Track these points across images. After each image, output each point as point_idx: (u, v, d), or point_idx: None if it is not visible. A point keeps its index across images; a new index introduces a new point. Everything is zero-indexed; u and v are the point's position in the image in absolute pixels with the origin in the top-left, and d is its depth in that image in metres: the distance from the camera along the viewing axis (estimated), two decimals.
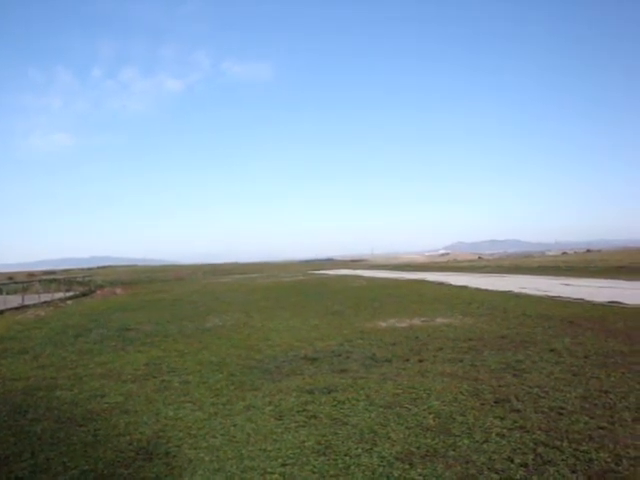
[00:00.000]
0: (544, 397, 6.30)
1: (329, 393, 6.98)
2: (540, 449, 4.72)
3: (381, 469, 4.50)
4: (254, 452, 5.09)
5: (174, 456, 5.11)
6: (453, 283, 30.36)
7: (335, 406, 6.39)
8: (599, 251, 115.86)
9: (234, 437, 5.54)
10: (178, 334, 13.73)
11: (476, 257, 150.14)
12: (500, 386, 6.90)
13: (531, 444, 4.86)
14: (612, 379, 6.95)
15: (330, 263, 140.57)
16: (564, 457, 4.52)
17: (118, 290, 43.03)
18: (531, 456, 4.58)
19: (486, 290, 23.79)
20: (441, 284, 30.33)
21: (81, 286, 46.12)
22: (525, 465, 4.41)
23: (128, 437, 5.72)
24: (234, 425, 5.93)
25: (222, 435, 5.62)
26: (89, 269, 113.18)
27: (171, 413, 6.53)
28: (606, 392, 6.35)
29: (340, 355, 9.52)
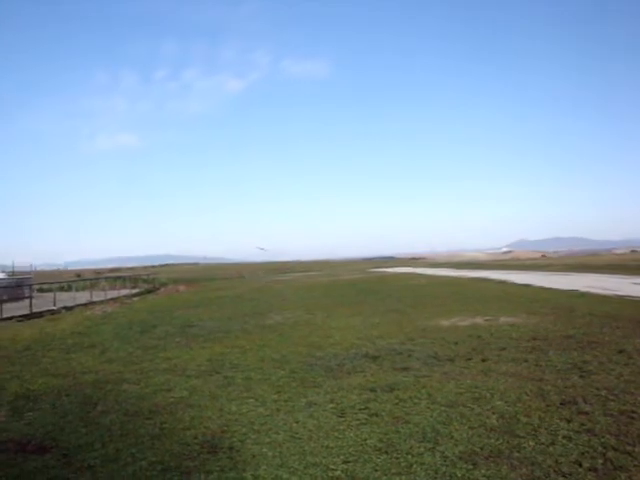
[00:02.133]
0: (613, 400, 6.10)
1: (391, 391, 6.96)
2: (610, 453, 4.58)
3: (444, 469, 4.46)
4: (316, 448, 5.13)
5: (238, 450, 5.20)
6: (516, 281, 29.72)
7: (397, 404, 6.38)
8: None
9: (296, 433, 5.60)
10: (240, 331, 13.95)
11: (539, 255, 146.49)
12: (566, 387, 6.72)
13: (600, 448, 4.72)
14: None
15: (391, 261, 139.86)
16: (636, 463, 4.36)
17: (181, 287, 43.94)
18: (600, 460, 4.45)
19: (550, 289, 23.19)
20: (504, 282, 29.74)
21: (146, 283, 47.34)
22: (594, 469, 4.29)
23: (193, 431, 5.86)
24: (296, 421, 5.99)
25: (284, 431, 5.69)
26: (152, 267, 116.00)
27: (234, 408, 6.65)
28: None
29: (402, 353, 9.47)
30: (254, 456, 5.03)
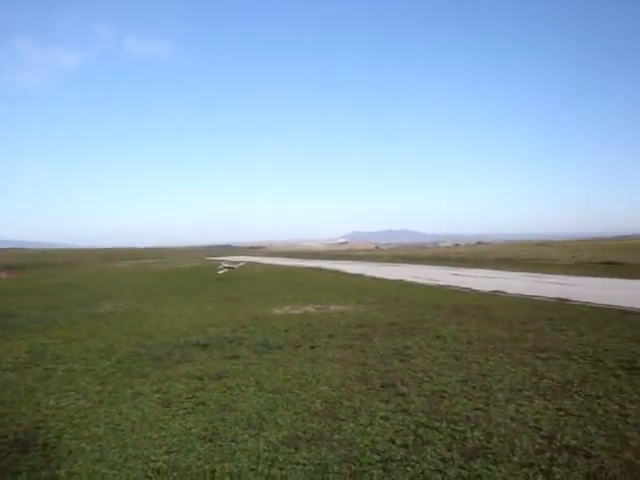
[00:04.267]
0: (428, 381, 6.55)
1: (219, 379, 6.94)
2: (420, 430, 4.92)
3: (266, 454, 4.52)
4: (139, 440, 4.98)
5: (53, 447, 4.90)
6: (349, 271, 30.94)
7: (224, 392, 6.37)
8: (489, 244, 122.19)
9: (118, 425, 5.40)
10: (65, 320, 13.21)
11: (373, 247, 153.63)
12: (387, 371, 7.11)
13: (412, 426, 5.05)
14: (491, 363, 7.33)
15: (229, 250, 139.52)
16: (442, 437, 4.73)
17: (2, 274, 40.78)
18: (412, 437, 4.76)
19: (380, 279, 24.43)
20: (337, 272, 30.87)
21: None
22: (405, 446, 4.58)
23: (2, 429, 5.43)
24: (119, 413, 5.78)
25: (106, 424, 5.46)
26: None
27: (52, 403, 6.27)
28: (484, 375, 6.70)
29: (232, 341, 9.48)
30: (70, 452, 4.78)
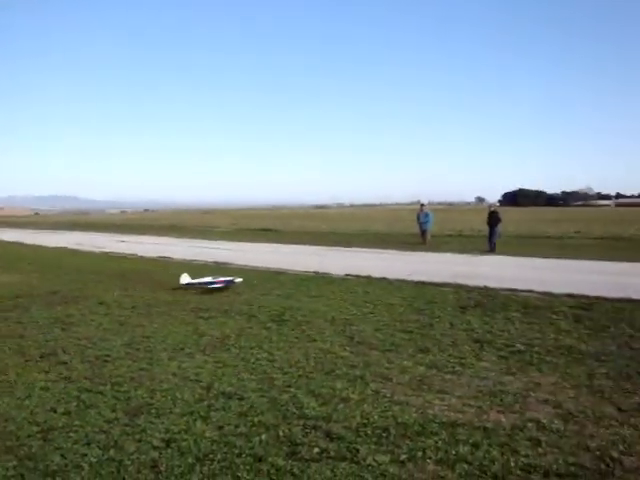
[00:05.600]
0: (91, 347, 6.50)
1: None
2: (84, 396, 4.89)
3: None
4: None
5: None
6: (4, 239, 28.46)
7: None
8: (156, 211, 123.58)
9: None
10: None
11: (32, 212, 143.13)
12: (48, 341, 6.84)
13: (75, 392, 4.99)
14: (155, 325, 7.57)
15: None
16: (106, 399, 4.78)
17: None
18: (74, 403, 4.71)
19: (40, 246, 22.98)
20: None
21: None
22: (68, 413, 4.52)
23: None
24: None
25: None
26: None
27: None
28: (148, 337, 6.90)
29: None
30: None
